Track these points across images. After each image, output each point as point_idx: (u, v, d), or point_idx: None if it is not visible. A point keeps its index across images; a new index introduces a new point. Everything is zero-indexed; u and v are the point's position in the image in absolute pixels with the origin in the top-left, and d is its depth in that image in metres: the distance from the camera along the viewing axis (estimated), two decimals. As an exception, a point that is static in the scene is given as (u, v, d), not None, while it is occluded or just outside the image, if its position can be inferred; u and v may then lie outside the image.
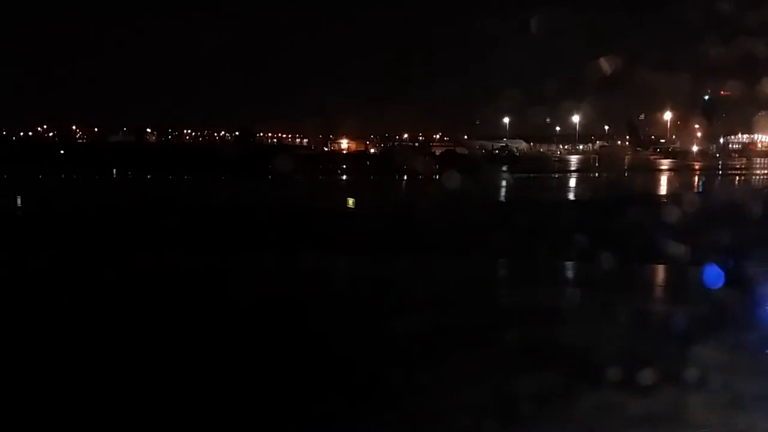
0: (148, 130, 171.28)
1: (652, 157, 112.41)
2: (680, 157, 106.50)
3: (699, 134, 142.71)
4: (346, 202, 36.66)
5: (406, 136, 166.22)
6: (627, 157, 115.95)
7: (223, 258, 20.03)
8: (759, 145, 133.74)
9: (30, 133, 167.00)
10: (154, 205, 35.02)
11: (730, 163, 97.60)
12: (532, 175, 65.99)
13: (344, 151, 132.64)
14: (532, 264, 19.05)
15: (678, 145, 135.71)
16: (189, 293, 15.71)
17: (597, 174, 73.79)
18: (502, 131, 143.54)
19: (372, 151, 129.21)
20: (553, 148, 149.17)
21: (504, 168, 75.27)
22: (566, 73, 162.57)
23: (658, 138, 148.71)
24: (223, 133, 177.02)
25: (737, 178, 67.37)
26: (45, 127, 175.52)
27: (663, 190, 52.32)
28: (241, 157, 70.25)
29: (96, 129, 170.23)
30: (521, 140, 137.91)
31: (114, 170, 61.36)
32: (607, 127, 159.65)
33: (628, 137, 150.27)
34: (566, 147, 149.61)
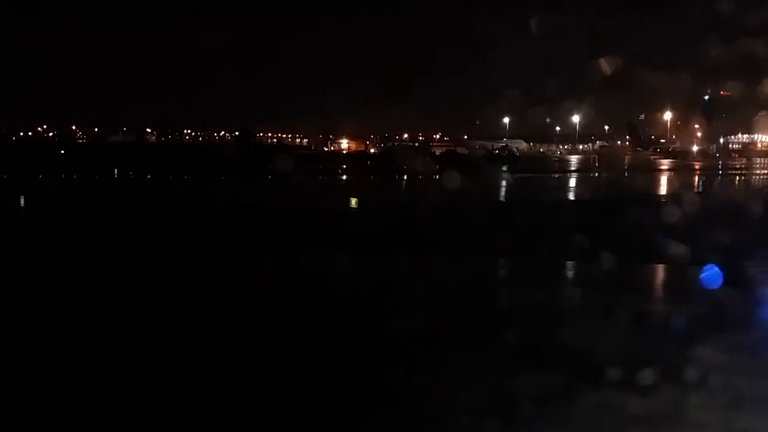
0: (148, 130, 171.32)
1: (652, 157, 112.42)
2: (680, 157, 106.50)
3: (699, 134, 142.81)
4: (348, 202, 36.66)
5: (406, 136, 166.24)
6: (627, 157, 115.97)
7: (227, 258, 20.02)
8: (759, 145, 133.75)
9: (30, 133, 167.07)
10: (156, 206, 35.02)
11: (730, 163, 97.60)
12: (532, 175, 65.98)
13: (344, 151, 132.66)
14: (532, 264, 19.05)
15: (678, 145, 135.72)
16: (191, 293, 15.71)
17: (597, 174, 73.79)
18: (502, 131, 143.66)
19: (372, 151, 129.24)
20: (553, 148, 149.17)
21: (504, 168, 75.29)
22: (566, 74, 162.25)
23: (658, 138, 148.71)
24: (223, 133, 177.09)
25: (737, 178, 67.37)
26: (45, 127, 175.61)
27: (663, 190, 52.33)
28: (241, 157, 70.29)
29: (96, 129, 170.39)
30: (521, 140, 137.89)
31: (115, 170, 61.37)
32: (607, 127, 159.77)
33: (628, 137, 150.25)
34: (566, 147, 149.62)
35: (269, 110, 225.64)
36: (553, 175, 68.19)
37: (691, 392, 9.45)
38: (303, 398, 9.47)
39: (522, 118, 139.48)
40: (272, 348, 11.63)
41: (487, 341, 11.84)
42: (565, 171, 77.18)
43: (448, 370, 10.37)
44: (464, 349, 11.45)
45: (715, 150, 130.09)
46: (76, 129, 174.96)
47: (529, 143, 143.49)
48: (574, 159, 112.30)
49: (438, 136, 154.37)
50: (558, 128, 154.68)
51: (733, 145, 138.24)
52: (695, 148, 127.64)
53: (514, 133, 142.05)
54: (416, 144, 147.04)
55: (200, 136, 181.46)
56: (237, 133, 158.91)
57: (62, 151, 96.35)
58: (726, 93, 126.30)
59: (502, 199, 44.92)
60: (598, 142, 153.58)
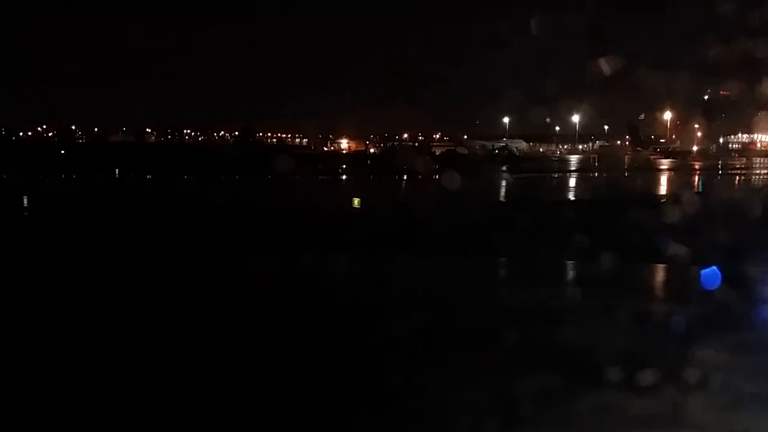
0: (148, 130, 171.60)
1: (652, 156, 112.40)
2: (680, 157, 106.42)
3: (699, 134, 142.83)
4: (350, 202, 36.65)
5: (406, 136, 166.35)
6: (627, 156, 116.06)
7: (227, 258, 20.05)
8: (759, 145, 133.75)
9: (30, 133, 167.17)
10: (156, 206, 35.05)
11: (730, 162, 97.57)
12: (532, 175, 66.00)
13: (344, 151, 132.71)
14: (532, 264, 19.07)
15: (678, 144, 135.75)
16: (192, 293, 15.74)
17: (597, 174, 73.80)
18: (502, 131, 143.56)
19: (372, 151, 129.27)
20: (553, 148, 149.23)
21: (504, 168, 75.32)
22: (566, 73, 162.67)
23: (658, 138, 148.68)
24: (222, 133, 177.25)
25: (737, 177, 67.37)
26: (45, 127, 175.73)
27: (663, 190, 52.33)
28: (241, 158, 70.26)
29: (96, 129, 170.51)
30: (521, 140, 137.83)
31: (115, 170, 61.39)
32: (606, 127, 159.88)
33: (627, 137, 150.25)
34: (566, 147, 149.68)
35: (269, 110, 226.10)
36: (553, 175, 68.20)
37: (690, 392, 9.46)
38: (303, 398, 9.49)
39: (522, 118, 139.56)
40: (272, 348, 11.65)
41: (487, 341, 11.85)
42: (565, 171, 77.18)
43: (449, 370, 10.40)
44: (464, 348, 11.47)
45: (715, 150, 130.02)
46: (76, 129, 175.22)
47: (529, 143, 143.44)
48: (573, 159, 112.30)
49: (438, 136, 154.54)
50: (558, 128, 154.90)
51: (733, 145, 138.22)
52: (695, 148, 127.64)
53: (514, 133, 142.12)
54: (416, 144, 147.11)
55: (200, 136, 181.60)
56: (237, 133, 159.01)
57: (62, 151, 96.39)
58: (726, 93, 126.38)
59: (502, 199, 44.94)
60: (597, 142, 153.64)
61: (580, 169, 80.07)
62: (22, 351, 11.47)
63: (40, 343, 11.85)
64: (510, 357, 10.96)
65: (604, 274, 17.31)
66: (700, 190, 50.93)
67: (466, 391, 9.56)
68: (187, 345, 11.80)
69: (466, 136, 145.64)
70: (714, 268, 15.46)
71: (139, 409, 9.12)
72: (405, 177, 58.86)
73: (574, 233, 21.08)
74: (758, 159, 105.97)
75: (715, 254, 16.75)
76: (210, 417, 8.90)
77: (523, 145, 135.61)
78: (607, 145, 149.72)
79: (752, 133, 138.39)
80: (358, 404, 9.28)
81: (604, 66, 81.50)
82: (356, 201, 35.79)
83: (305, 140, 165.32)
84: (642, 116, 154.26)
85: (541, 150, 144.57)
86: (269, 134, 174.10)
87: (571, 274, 18.71)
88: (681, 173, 71.92)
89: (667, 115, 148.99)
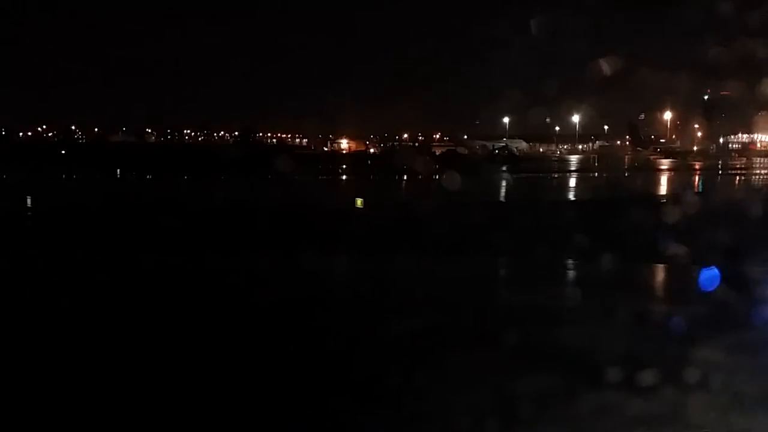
0: (148, 130, 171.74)
1: (652, 156, 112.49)
2: (680, 157, 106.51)
3: (699, 134, 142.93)
4: (354, 202, 36.68)
5: (406, 136, 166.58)
6: (627, 156, 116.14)
7: (231, 258, 20.06)
8: (759, 145, 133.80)
9: (30, 133, 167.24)
10: (159, 206, 35.05)
11: (730, 162, 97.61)
12: (532, 175, 66.03)
13: (344, 151, 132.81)
14: (532, 263, 19.09)
15: (678, 144, 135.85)
16: (193, 292, 15.76)
17: (597, 174, 73.83)
18: (502, 131, 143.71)
19: (372, 151, 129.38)
20: (553, 148, 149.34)
21: (504, 168, 75.35)
22: (566, 73, 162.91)
23: (658, 138, 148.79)
24: (222, 133, 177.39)
25: (737, 177, 67.40)
26: (45, 127, 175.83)
27: (663, 190, 52.35)
28: (242, 158, 70.30)
29: (96, 129, 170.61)
30: (521, 140, 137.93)
31: (116, 170, 61.43)
32: (606, 127, 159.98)
33: (628, 137, 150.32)
34: (566, 147, 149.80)
35: (269, 110, 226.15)
36: (553, 175, 68.22)
37: (690, 392, 9.49)
38: (303, 398, 9.53)
39: (522, 118, 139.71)
40: (272, 348, 11.68)
41: (487, 341, 11.89)
42: (565, 171, 77.21)
43: (449, 370, 10.43)
44: (465, 348, 11.50)
45: (715, 150, 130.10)
46: (76, 129, 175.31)
47: (529, 143, 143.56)
48: (573, 159, 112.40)
49: (438, 136, 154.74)
50: (558, 128, 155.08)
51: (733, 145, 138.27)
52: (695, 148, 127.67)
53: (514, 133, 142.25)
54: (416, 144, 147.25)
55: (200, 136, 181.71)
56: (237, 133, 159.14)
57: (63, 152, 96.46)
58: (726, 93, 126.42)
59: (502, 199, 44.96)
60: (597, 142, 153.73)
61: (580, 169, 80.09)
62: (22, 350, 11.51)
63: (40, 343, 11.89)
64: (510, 357, 10.98)
65: (604, 274, 17.34)
66: (700, 190, 50.96)
67: (466, 391, 9.58)
68: (188, 345, 11.82)
69: (466, 136, 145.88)
70: (714, 268, 15.49)
71: (139, 409, 9.15)
72: (405, 177, 58.86)
73: (574, 233, 21.13)
74: (758, 159, 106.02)
75: (715, 254, 16.78)
76: (210, 417, 8.93)
77: (523, 145, 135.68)
78: (607, 145, 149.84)
79: (752, 133, 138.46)
80: (361, 404, 9.32)
81: (605, 66, 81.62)
82: (359, 201, 35.80)
83: (305, 140, 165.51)
84: (642, 116, 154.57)
85: (541, 150, 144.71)
86: (269, 134, 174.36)
87: (571, 274, 18.72)
88: (681, 173, 71.96)
89: (668, 115, 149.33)
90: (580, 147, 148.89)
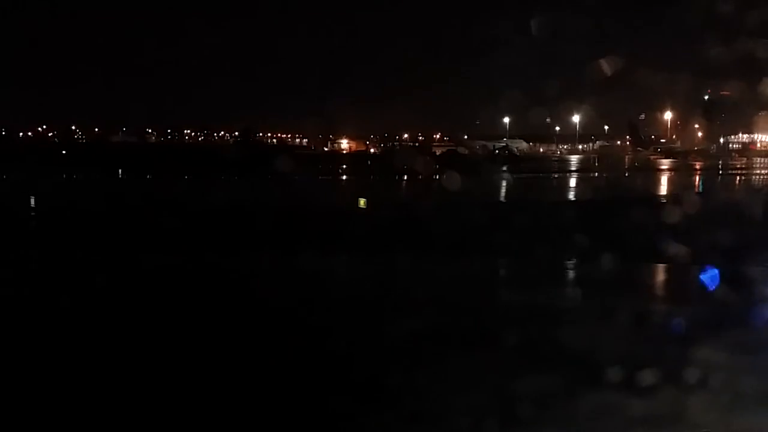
0: (148, 130, 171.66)
1: (653, 157, 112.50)
2: (680, 157, 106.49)
3: (699, 134, 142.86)
4: (357, 202, 36.64)
5: (406, 136, 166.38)
6: (627, 157, 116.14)
7: (229, 258, 20.08)
8: (759, 145, 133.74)
9: (30, 133, 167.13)
10: (159, 206, 35.05)
11: (730, 162, 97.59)
12: (532, 175, 66.02)
13: (344, 152, 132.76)
14: (532, 263, 19.10)
15: (678, 144, 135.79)
16: (194, 292, 15.78)
17: (597, 174, 73.82)
18: (502, 131, 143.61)
19: (372, 151, 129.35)
20: (553, 148, 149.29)
21: (504, 168, 75.34)
22: (566, 74, 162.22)
23: (658, 138, 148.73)
24: (223, 133, 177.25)
25: (737, 177, 67.40)
26: (45, 127, 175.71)
27: (663, 190, 52.34)
28: (242, 158, 70.27)
29: (96, 129, 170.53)
30: (521, 140, 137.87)
31: (116, 171, 61.40)
32: (607, 127, 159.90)
33: (628, 137, 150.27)
34: (566, 147, 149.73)
35: (269, 110, 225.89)
36: (553, 176, 68.22)
37: (690, 392, 9.50)
38: (303, 398, 9.54)
39: (522, 118, 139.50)
40: (273, 347, 11.69)
41: (488, 341, 11.91)
42: (566, 171, 77.19)
43: (450, 370, 10.44)
44: (466, 348, 11.52)
45: (715, 150, 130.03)
46: (76, 129, 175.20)
47: (529, 143, 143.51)
48: (574, 159, 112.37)
49: (438, 136, 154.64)
50: (558, 128, 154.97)
51: (733, 145, 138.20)
52: (695, 148, 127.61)
53: (514, 133, 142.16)
54: (416, 144, 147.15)
55: (200, 136, 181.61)
56: (237, 133, 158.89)
57: (63, 152, 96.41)
58: (726, 93, 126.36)
59: (503, 199, 44.97)
60: (598, 142, 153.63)
61: (581, 170, 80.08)
62: (22, 350, 11.53)
63: (40, 341, 11.91)
64: (510, 357, 11.00)
65: (605, 274, 17.33)
66: (701, 190, 50.96)
67: (467, 391, 9.60)
68: (188, 345, 11.84)
69: (466, 136, 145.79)
70: (713, 268, 15.50)
71: (140, 409, 9.17)
72: (405, 177, 58.86)
73: (575, 233, 21.12)
74: (758, 159, 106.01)
75: (715, 254, 16.80)
76: (210, 417, 8.94)
77: (523, 145, 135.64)
78: (607, 145, 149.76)
79: (752, 133, 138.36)
80: (361, 404, 9.34)
81: (605, 66, 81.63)
82: (362, 201, 35.73)
83: (305, 140, 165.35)
84: (642, 116, 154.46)
85: (541, 150, 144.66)
86: (269, 134, 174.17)
87: (571, 274, 18.74)
88: (681, 173, 71.94)
89: (668, 116, 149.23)
90: (580, 147, 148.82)
